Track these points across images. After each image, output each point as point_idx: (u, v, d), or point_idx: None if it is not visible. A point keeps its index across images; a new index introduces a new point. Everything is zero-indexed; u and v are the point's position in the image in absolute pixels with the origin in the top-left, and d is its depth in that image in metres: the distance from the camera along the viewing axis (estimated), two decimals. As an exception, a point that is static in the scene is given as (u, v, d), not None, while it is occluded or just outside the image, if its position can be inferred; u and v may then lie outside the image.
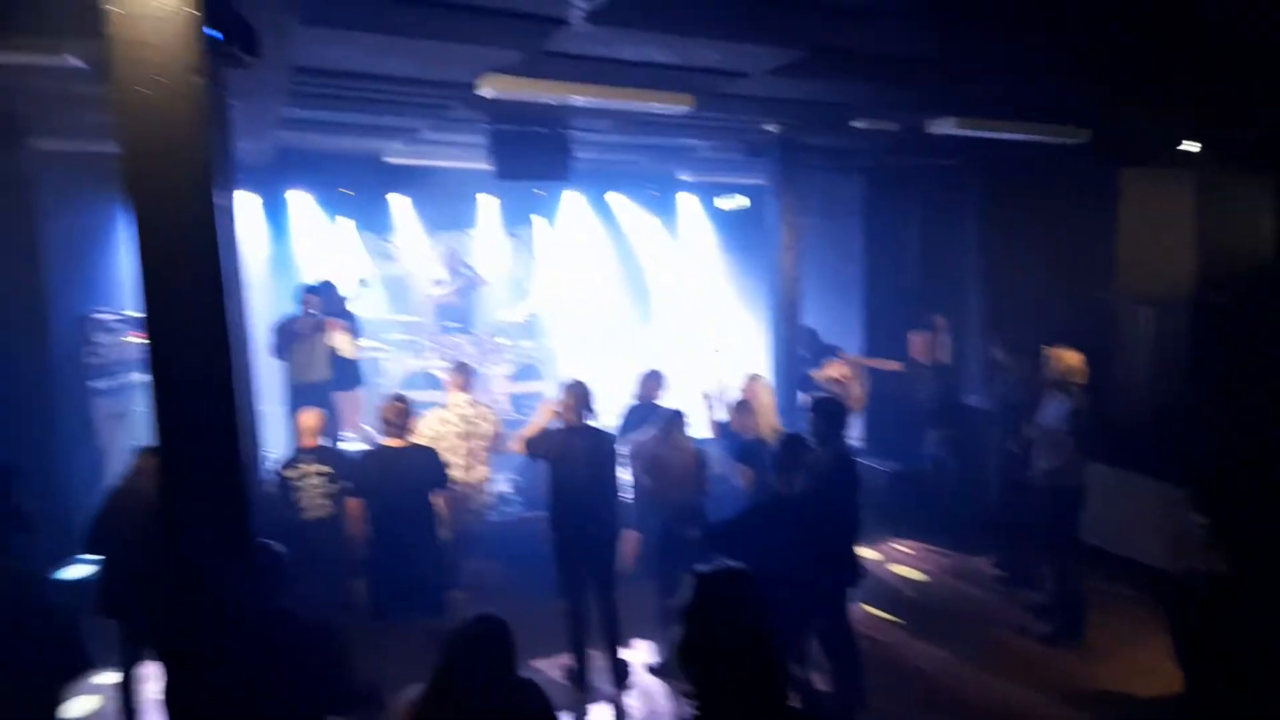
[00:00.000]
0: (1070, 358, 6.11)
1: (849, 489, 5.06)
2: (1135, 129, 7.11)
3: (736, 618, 2.02)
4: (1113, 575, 6.94)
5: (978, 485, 7.94)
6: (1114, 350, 7.65)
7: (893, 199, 9.30)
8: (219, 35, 2.84)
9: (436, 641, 2.89)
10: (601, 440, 5.54)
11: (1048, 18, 4.33)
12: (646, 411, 6.51)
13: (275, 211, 10.04)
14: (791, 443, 4.93)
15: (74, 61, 4.33)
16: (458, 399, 6.36)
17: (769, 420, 6.25)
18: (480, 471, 6.31)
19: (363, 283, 8.72)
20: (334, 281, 8.66)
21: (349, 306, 8.62)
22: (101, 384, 7.52)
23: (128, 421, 7.61)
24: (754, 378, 6.86)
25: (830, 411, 5.22)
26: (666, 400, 6.87)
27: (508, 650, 2.76)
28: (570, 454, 5.43)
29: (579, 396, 5.51)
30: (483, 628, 2.75)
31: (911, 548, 8.11)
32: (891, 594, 7.07)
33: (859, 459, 5.64)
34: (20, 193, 6.20)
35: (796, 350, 7.92)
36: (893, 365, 8.25)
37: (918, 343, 8.02)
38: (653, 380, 7.01)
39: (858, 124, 6.91)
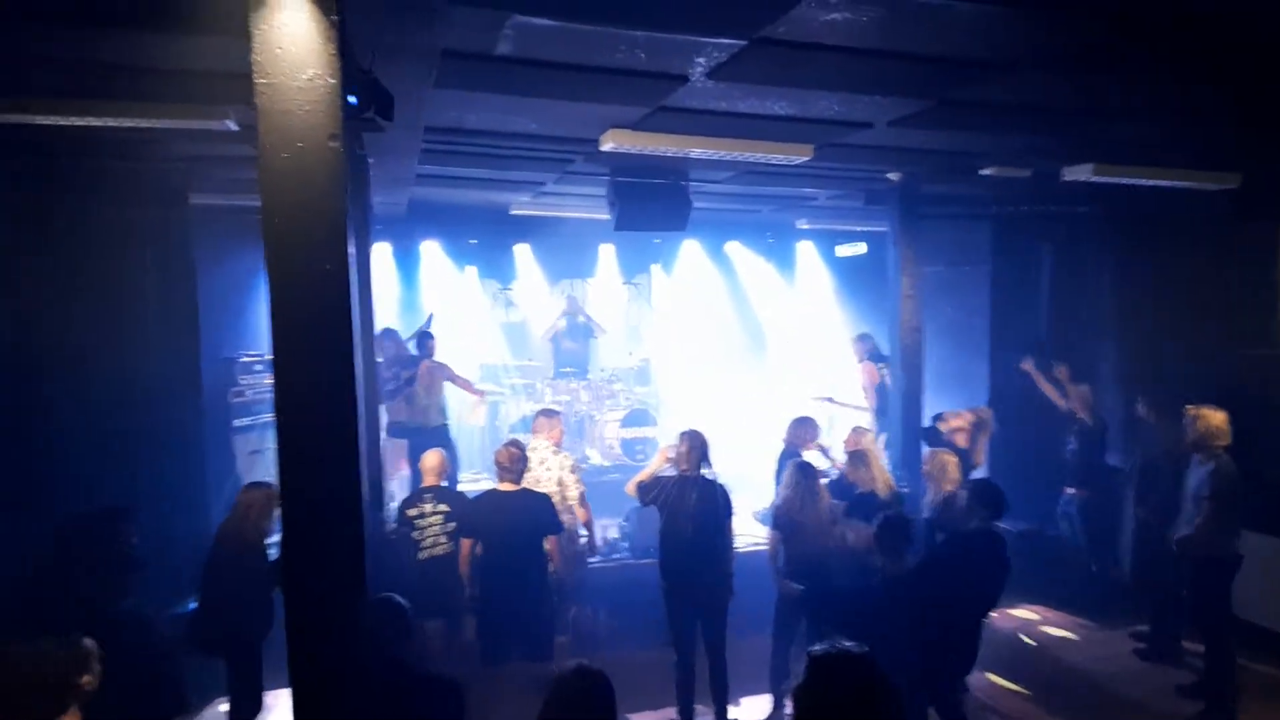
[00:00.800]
0: (1214, 417, 5.69)
1: (978, 572, 4.82)
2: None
3: (852, 703, 1.94)
4: (1270, 653, 6.36)
5: (1115, 549, 7.46)
6: (1270, 408, 7.10)
7: (1021, 247, 8.98)
8: (357, 102, 3.02)
9: (539, 685, 2.90)
10: (715, 491, 5.48)
11: (1195, 58, 4.13)
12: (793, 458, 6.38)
13: (407, 259, 10.56)
14: (897, 523, 4.76)
15: (232, 125, 4.68)
16: (531, 443, 6.41)
17: (883, 475, 6.02)
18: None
19: (430, 319, 9.01)
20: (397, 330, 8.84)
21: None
22: (243, 422, 8.01)
23: (264, 458, 8.05)
24: (860, 430, 6.68)
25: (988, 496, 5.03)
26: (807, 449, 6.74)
27: (607, 705, 2.74)
28: (683, 503, 5.39)
29: (695, 446, 5.48)
30: (582, 682, 2.74)
31: (1040, 613, 7.66)
32: (1018, 662, 6.68)
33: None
34: (181, 243, 6.70)
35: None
36: (1059, 399, 7.68)
37: (1080, 394, 7.58)
38: (802, 427, 6.89)
39: (986, 171, 6.74)
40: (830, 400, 9.19)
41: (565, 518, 6.19)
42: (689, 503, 5.38)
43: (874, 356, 8.94)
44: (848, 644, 2.07)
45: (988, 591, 4.89)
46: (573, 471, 6.36)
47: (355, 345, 2.70)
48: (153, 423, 6.20)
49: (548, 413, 6.69)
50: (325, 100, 2.56)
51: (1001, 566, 4.88)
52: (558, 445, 6.47)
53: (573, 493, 6.32)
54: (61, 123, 4.56)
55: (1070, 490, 7.66)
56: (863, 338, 9.12)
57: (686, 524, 5.36)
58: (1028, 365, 7.78)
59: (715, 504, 5.44)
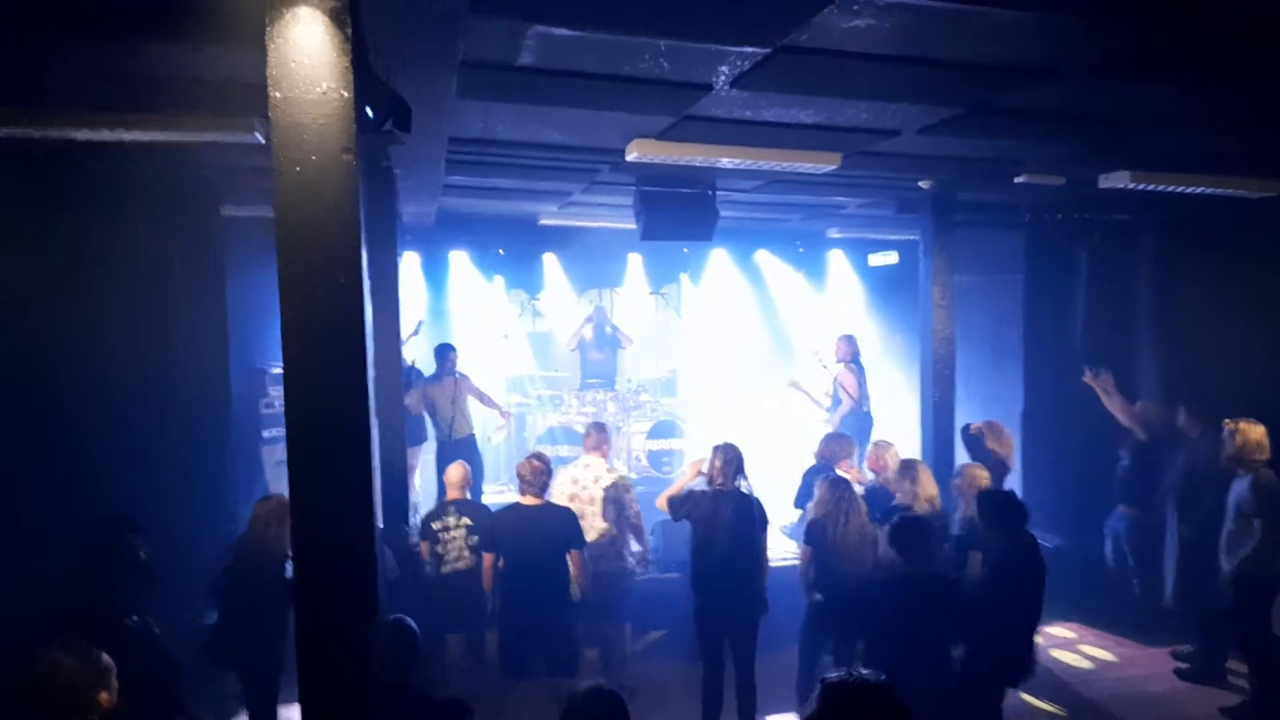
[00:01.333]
0: (1252, 431, 5.55)
1: (1006, 581, 4.66)
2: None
3: None
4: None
5: (1155, 567, 7.25)
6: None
7: (1056, 255, 8.80)
8: (374, 114, 3.01)
9: (558, 702, 2.86)
10: (751, 506, 5.39)
11: (1237, 63, 4.01)
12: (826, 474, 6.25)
13: (436, 269, 10.60)
14: (914, 523, 4.63)
15: (259, 137, 4.70)
16: (584, 460, 6.36)
17: (927, 491, 5.79)
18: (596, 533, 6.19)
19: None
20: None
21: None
22: (272, 433, 8.07)
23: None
24: (883, 444, 6.54)
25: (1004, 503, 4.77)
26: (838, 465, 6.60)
27: None
28: (718, 518, 5.29)
29: (731, 459, 5.39)
30: (594, 703, 2.69)
31: (1077, 631, 7.48)
32: (1053, 682, 6.51)
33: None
34: (212, 254, 6.76)
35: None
36: (1122, 415, 7.33)
37: (1144, 410, 7.34)
38: (836, 442, 6.78)
39: (1019, 178, 6.61)
40: (798, 386, 9.15)
41: (613, 532, 6.14)
42: (724, 517, 5.28)
43: (856, 360, 8.94)
44: (864, 671, 1.97)
45: (1036, 605, 4.74)
46: (628, 490, 6.26)
47: (369, 358, 2.67)
48: (181, 432, 6.23)
49: (601, 426, 6.59)
50: (339, 113, 2.54)
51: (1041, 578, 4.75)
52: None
53: (632, 510, 6.22)
54: (93, 137, 4.61)
55: (1121, 508, 7.46)
56: (847, 339, 9.10)
57: (722, 539, 5.27)
58: (1089, 378, 7.50)
59: (751, 518, 5.35)
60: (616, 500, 6.14)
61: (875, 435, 8.09)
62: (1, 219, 5.29)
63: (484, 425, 9.70)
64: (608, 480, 6.18)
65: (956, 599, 4.39)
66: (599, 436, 6.42)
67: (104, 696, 2.89)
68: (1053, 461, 8.20)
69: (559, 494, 6.13)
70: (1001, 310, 9.38)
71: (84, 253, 5.97)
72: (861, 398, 8.86)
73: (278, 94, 2.52)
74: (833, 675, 1.98)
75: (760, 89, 4.31)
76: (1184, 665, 6.67)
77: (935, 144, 5.51)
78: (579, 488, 6.14)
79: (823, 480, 5.74)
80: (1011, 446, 6.64)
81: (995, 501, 4.80)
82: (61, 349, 5.71)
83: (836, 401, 8.92)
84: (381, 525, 6.16)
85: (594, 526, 6.09)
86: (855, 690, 1.92)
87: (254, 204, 7.12)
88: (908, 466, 5.91)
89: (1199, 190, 6.32)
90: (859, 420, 8.76)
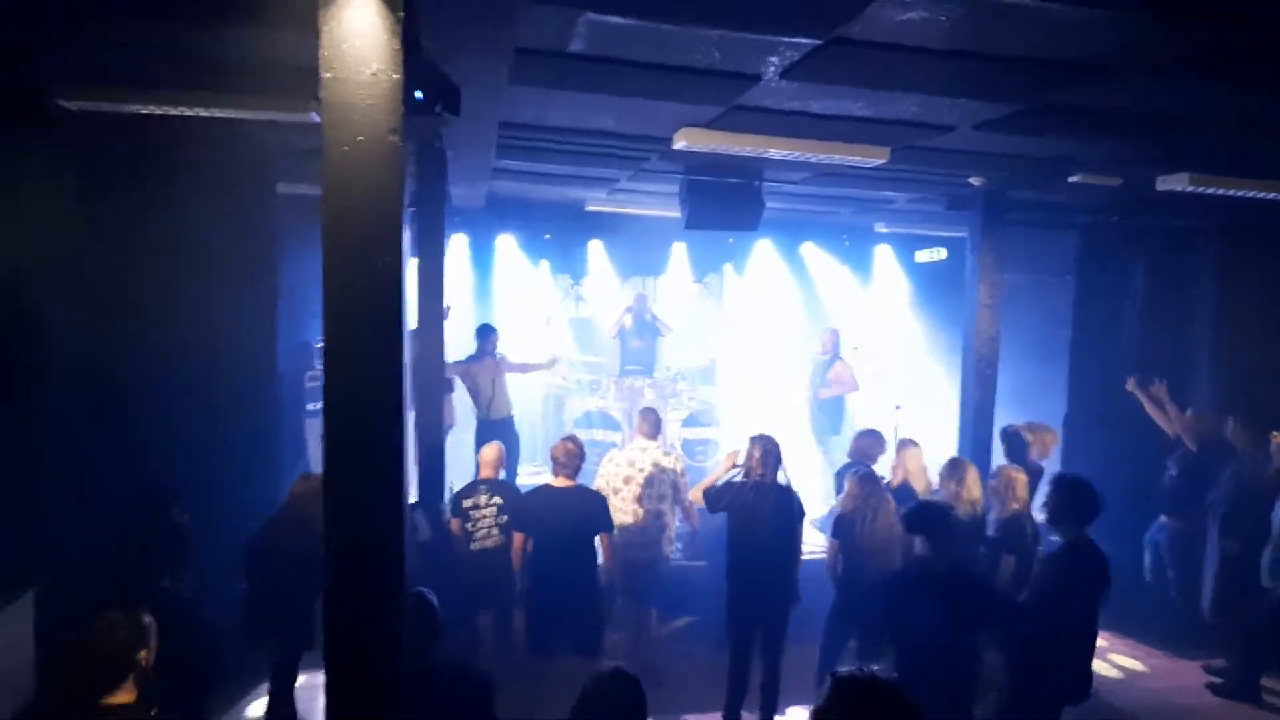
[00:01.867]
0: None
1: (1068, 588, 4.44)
2: None
3: None
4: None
5: (1194, 579, 7.11)
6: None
7: (1109, 258, 8.62)
8: (423, 96, 3.06)
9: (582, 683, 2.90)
10: (791, 498, 5.40)
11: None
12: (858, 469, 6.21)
13: (483, 252, 10.71)
14: (931, 508, 4.56)
15: (315, 117, 4.78)
16: (639, 443, 6.40)
17: (970, 494, 5.67)
18: (635, 515, 6.23)
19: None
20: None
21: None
22: (316, 406, 8.24)
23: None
24: (907, 443, 6.46)
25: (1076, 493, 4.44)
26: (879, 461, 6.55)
27: (637, 710, 2.72)
28: (759, 510, 5.29)
29: (770, 451, 5.39)
30: (613, 686, 2.73)
31: (1107, 640, 7.35)
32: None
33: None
34: (267, 229, 6.90)
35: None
36: (1166, 424, 7.16)
37: (1195, 420, 7.17)
38: (869, 439, 6.75)
39: (1074, 178, 6.48)
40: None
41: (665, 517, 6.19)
42: (765, 509, 5.29)
43: (837, 354, 9.13)
44: (876, 668, 1.99)
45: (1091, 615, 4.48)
46: (684, 475, 6.34)
47: (405, 337, 2.73)
48: (229, 403, 6.35)
49: (655, 412, 6.63)
50: (387, 95, 2.59)
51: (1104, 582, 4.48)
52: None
53: (686, 495, 6.26)
54: (156, 112, 4.73)
55: (1164, 518, 7.31)
56: (834, 332, 9.24)
57: (762, 531, 5.28)
58: (1132, 386, 7.33)
59: (791, 511, 5.37)
60: (674, 484, 6.22)
61: (902, 433, 8.02)
62: (60, 191, 5.39)
63: (522, 407, 9.76)
64: (666, 463, 6.25)
65: (984, 598, 4.34)
66: (655, 421, 6.48)
67: (143, 654, 2.99)
68: (1094, 467, 8.05)
69: (614, 476, 6.20)
70: (1049, 311, 9.23)
71: (145, 228, 6.05)
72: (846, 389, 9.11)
73: (328, 74, 2.58)
74: (844, 670, 2.00)
75: (810, 80, 4.28)
76: (1216, 680, 6.54)
77: (989, 140, 5.43)
78: (635, 470, 6.19)
79: (853, 475, 5.72)
80: (1050, 450, 6.55)
81: (1076, 488, 4.33)
82: (114, 321, 5.80)
83: (826, 384, 9.21)
84: (416, 499, 6.27)
85: (647, 510, 6.18)
86: (865, 686, 1.94)
87: (309, 182, 7.26)
88: (956, 466, 5.82)
89: (1259, 195, 6.15)
90: (837, 409, 9.00)
